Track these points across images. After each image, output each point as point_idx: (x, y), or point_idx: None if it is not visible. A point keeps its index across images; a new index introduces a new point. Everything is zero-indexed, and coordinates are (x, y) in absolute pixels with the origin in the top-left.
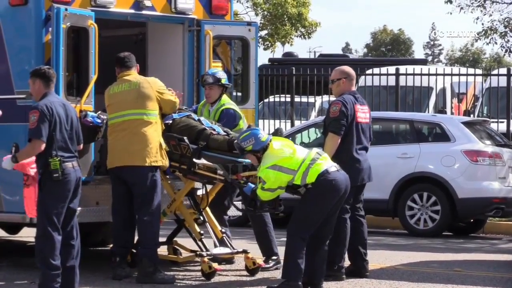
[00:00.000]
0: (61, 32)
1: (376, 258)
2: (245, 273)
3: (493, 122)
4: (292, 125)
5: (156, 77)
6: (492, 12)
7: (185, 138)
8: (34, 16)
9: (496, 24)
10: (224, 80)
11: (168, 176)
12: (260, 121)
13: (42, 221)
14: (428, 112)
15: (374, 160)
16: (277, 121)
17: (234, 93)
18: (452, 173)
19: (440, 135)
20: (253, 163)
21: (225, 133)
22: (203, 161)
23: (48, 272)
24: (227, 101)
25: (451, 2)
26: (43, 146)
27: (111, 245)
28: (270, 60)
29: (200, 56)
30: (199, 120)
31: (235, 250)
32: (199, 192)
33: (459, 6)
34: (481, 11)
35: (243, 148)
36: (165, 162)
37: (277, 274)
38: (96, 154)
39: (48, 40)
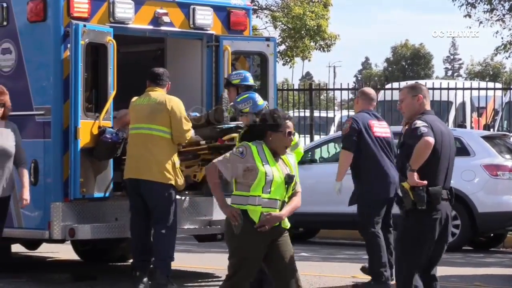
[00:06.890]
0: (79, 48)
1: None
2: None
3: None
4: (312, 139)
5: (175, 92)
6: None
7: None
8: (53, 33)
9: None
10: (237, 81)
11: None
12: None
13: None
14: (448, 126)
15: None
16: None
17: None
18: (472, 187)
19: (460, 149)
20: (245, 123)
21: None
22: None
23: None
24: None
25: (470, 17)
26: None
27: (131, 260)
28: None
29: (218, 71)
30: None
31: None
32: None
33: (478, 20)
34: (500, 25)
35: (241, 109)
36: (179, 181)
37: None
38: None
39: (66, 56)
